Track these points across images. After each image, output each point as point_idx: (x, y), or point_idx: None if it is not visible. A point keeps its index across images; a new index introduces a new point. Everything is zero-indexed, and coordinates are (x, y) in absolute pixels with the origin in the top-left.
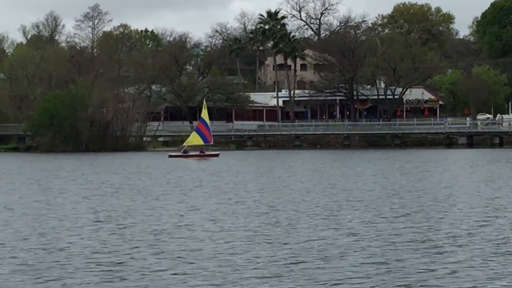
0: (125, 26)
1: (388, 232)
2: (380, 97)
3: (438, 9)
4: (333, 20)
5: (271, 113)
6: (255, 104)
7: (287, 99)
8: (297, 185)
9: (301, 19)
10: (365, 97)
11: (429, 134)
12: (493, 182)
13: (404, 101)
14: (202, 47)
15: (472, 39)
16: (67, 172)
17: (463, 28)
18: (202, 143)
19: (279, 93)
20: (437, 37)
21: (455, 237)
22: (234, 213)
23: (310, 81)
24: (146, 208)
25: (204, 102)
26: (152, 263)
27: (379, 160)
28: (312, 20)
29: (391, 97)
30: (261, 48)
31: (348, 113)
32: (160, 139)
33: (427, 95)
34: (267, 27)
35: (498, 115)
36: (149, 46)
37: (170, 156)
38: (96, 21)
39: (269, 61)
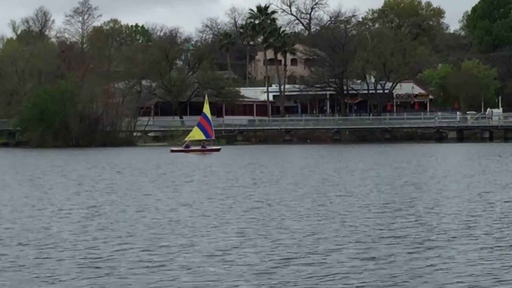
0: (115, 21)
1: (379, 226)
2: (370, 91)
3: (429, 4)
4: (323, 15)
5: (261, 108)
6: (245, 99)
7: (277, 94)
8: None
9: (292, 14)
10: (355, 92)
11: (419, 128)
12: (484, 176)
13: (394, 96)
14: (193, 42)
15: (462, 33)
16: (75, 169)
17: (453, 22)
18: (204, 138)
19: (269, 88)
20: (427, 31)
21: (446, 231)
22: (231, 207)
23: (301, 76)
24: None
25: (206, 97)
26: (143, 259)
27: (370, 155)
28: (303, 15)
29: (381, 91)
30: (251, 43)
31: (338, 107)
32: (151, 134)
33: (417, 90)
34: (257, 22)
35: (488, 109)
36: (140, 41)
37: (172, 151)
38: (86, 16)
39: (259, 56)
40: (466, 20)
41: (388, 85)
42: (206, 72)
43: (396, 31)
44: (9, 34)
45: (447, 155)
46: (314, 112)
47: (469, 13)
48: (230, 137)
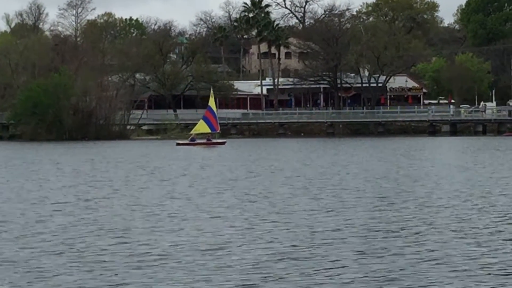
0: (109, 15)
1: (373, 219)
2: (364, 85)
3: None
4: (317, 8)
5: (255, 101)
6: (239, 92)
7: (271, 87)
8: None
9: (286, 7)
10: (349, 85)
11: (413, 122)
12: (477, 169)
13: (388, 89)
14: (187, 36)
15: (456, 27)
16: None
17: (447, 16)
18: (209, 131)
19: (263, 81)
20: (421, 25)
21: (440, 224)
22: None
23: (295, 69)
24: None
25: (211, 91)
26: (141, 252)
27: (364, 148)
28: (297, 8)
29: (374, 85)
30: (245, 36)
31: (332, 101)
32: (144, 127)
33: (411, 83)
34: (251, 15)
35: (482, 102)
36: (134, 34)
37: (178, 144)
38: (80, 10)
39: (253, 49)
40: (460, 14)
41: (382, 78)
42: (200, 65)
43: (390, 24)
44: (3, 27)
45: (441, 148)
46: (308, 105)
47: (463, 6)
48: (224, 131)
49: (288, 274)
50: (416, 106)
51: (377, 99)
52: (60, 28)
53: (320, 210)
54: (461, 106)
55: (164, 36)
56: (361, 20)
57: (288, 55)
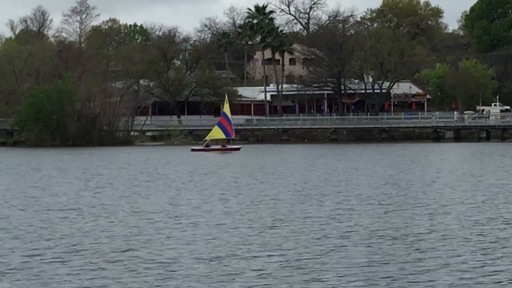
0: (114, 21)
1: (379, 226)
2: (368, 91)
3: (427, 3)
4: (322, 14)
5: (259, 108)
6: (243, 99)
7: (275, 93)
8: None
9: (290, 14)
10: (353, 91)
11: (417, 128)
12: (481, 175)
13: (392, 95)
14: (191, 42)
15: (461, 33)
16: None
17: (452, 22)
18: (224, 137)
19: (267, 87)
20: (425, 31)
21: (443, 230)
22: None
23: (299, 76)
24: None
25: (226, 97)
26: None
27: (370, 154)
28: (301, 15)
29: (378, 91)
30: (249, 42)
31: (336, 107)
32: (148, 133)
33: (415, 89)
34: (255, 21)
35: (485, 108)
36: (138, 40)
37: (193, 150)
38: (84, 16)
39: (257, 55)
40: (464, 20)
41: (386, 84)
42: (204, 71)
43: (394, 30)
44: (7, 33)
45: (445, 155)
46: (312, 111)
47: (468, 12)
48: None
49: (290, 278)
50: (420, 112)
51: (381, 105)
52: (64, 34)
53: (326, 217)
54: (465, 112)
55: (168, 42)
56: (366, 26)
57: (292, 61)
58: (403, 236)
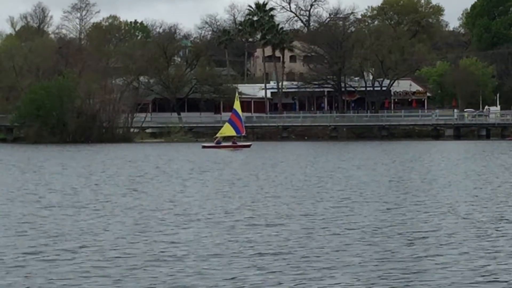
0: (114, 18)
1: (379, 223)
2: (368, 88)
3: (428, 1)
4: (322, 12)
5: (259, 105)
6: (243, 96)
7: (275, 90)
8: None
9: (291, 11)
10: (353, 89)
11: (417, 125)
12: (482, 173)
13: (392, 93)
14: (192, 39)
15: (461, 31)
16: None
17: (452, 20)
18: (235, 134)
19: (267, 84)
20: (426, 29)
21: (444, 227)
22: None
23: (300, 73)
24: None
25: (237, 94)
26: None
27: (371, 152)
28: (302, 12)
29: (378, 88)
30: (250, 39)
31: (336, 104)
32: (148, 130)
33: (415, 87)
34: (255, 18)
35: (486, 107)
36: (138, 37)
37: (204, 147)
38: (84, 12)
39: (258, 52)
40: (465, 18)
41: (386, 82)
42: (204, 68)
43: (394, 28)
44: (8, 30)
45: (446, 152)
46: (312, 109)
47: (468, 10)
48: None
49: (286, 273)
50: (420, 110)
51: (381, 103)
52: (64, 31)
53: (327, 215)
54: (465, 110)
55: (169, 39)
56: (366, 23)
57: (292, 58)
58: (404, 234)
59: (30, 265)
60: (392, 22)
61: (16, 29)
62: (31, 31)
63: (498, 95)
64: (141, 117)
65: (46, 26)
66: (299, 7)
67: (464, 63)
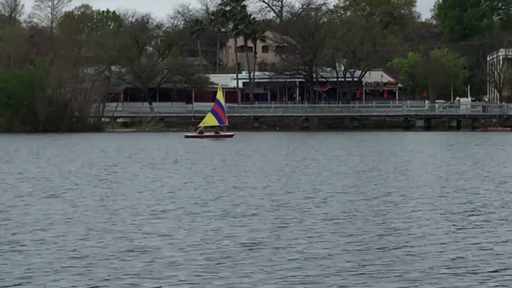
0: (86, 7)
1: (350, 213)
2: (340, 79)
3: None
4: (295, 2)
5: (231, 95)
6: (215, 86)
7: (247, 80)
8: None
9: (263, 1)
10: (325, 80)
11: (388, 116)
12: (453, 164)
13: (363, 84)
14: (164, 29)
15: (433, 22)
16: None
17: (425, 11)
18: (217, 124)
19: (239, 74)
20: (398, 20)
21: (416, 219)
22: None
23: (272, 63)
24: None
25: (220, 85)
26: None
27: (346, 143)
28: (274, 2)
29: (350, 79)
30: (222, 29)
31: (307, 95)
32: (119, 120)
33: (386, 78)
34: (227, 8)
35: (457, 98)
36: (111, 27)
37: (186, 136)
38: (56, 1)
39: (230, 42)
40: (437, 9)
41: (358, 73)
42: (176, 58)
43: (366, 19)
44: None
45: (416, 143)
46: (284, 99)
47: (440, 2)
48: (198, 123)
49: (260, 265)
50: (391, 101)
51: (352, 94)
52: (36, 20)
53: (297, 205)
54: (436, 101)
55: (141, 29)
56: (339, 14)
57: (265, 48)
58: (376, 224)
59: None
60: (364, 13)
61: None
62: (2, 20)
63: (469, 86)
64: (112, 107)
65: (17, 15)
66: None
67: (435, 54)
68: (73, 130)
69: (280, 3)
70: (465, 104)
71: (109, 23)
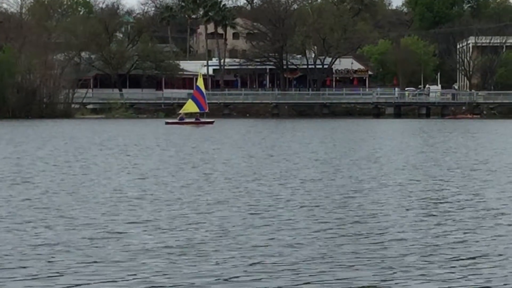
0: None
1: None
2: (310, 66)
3: None
4: None
5: None
6: (185, 73)
7: (218, 67)
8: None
9: None
10: (295, 67)
11: (358, 104)
12: (423, 151)
13: (334, 71)
14: (134, 15)
15: (404, 10)
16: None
17: None
18: (198, 110)
19: (209, 61)
20: (369, 7)
21: (384, 205)
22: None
23: (243, 50)
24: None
25: (200, 71)
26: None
27: (318, 130)
28: None
29: (320, 66)
30: (193, 16)
31: (278, 82)
32: (89, 106)
33: (357, 65)
34: None
35: (427, 85)
36: (81, 13)
37: (167, 123)
38: None
39: (201, 29)
40: None
41: (328, 60)
42: (146, 45)
43: (337, 6)
44: None
45: (385, 130)
46: (254, 86)
47: None
48: (169, 110)
49: (225, 256)
50: (361, 88)
51: (322, 81)
52: (5, 5)
53: (263, 194)
54: (406, 89)
55: (111, 15)
56: (309, 1)
57: (236, 35)
58: (348, 213)
59: None
60: (335, 0)
61: None
62: None
63: (439, 74)
64: (82, 93)
65: None
66: None
67: (405, 41)
68: (43, 116)
69: None
70: (434, 91)
71: (79, 9)
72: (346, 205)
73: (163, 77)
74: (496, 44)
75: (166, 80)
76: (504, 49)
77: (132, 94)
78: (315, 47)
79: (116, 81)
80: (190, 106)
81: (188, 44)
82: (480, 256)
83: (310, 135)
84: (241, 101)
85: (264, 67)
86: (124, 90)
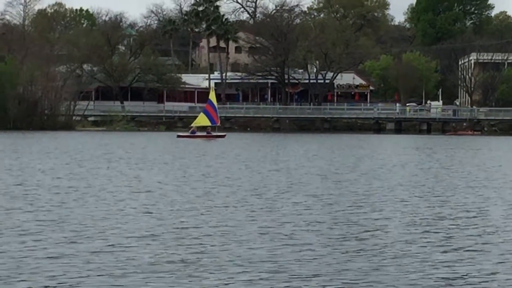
0: (59, 5)
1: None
2: (311, 81)
3: None
4: (269, 3)
5: (202, 95)
6: (187, 86)
7: (219, 81)
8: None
9: (237, 2)
10: (297, 81)
11: (359, 119)
12: (418, 167)
13: (335, 86)
14: (137, 28)
15: (407, 25)
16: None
17: (398, 14)
18: (210, 124)
19: (211, 75)
20: (372, 23)
21: (383, 219)
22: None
23: (245, 64)
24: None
25: (212, 85)
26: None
27: (321, 145)
28: (248, 3)
29: (322, 81)
30: (196, 29)
31: (279, 96)
32: (90, 118)
33: (358, 80)
34: (200, 8)
35: (428, 101)
36: (84, 25)
37: (179, 136)
38: None
39: (203, 43)
40: (410, 13)
41: (329, 75)
42: (148, 57)
43: (340, 21)
44: None
45: (389, 146)
46: (255, 100)
47: (414, 5)
48: (171, 124)
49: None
50: (362, 104)
51: (324, 96)
52: (8, 17)
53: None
54: (407, 104)
55: (113, 28)
56: (312, 16)
57: (238, 49)
58: (347, 224)
59: None
60: (338, 15)
61: None
62: None
63: (440, 90)
64: (83, 105)
65: None
66: None
67: (407, 57)
68: (44, 128)
69: (254, 4)
70: (436, 107)
71: (82, 21)
72: (348, 221)
73: (164, 90)
74: (498, 61)
75: (168, 93)
76: (505, 66)
77: (134, 107)
78: (317, 62)
79: (118, 94)
80: (202, 120)
81: (190, 58)
82: (487, 275)
83: (312, 149)
84: (242, 115)
85: (265, 81)
86: (125, 103)
